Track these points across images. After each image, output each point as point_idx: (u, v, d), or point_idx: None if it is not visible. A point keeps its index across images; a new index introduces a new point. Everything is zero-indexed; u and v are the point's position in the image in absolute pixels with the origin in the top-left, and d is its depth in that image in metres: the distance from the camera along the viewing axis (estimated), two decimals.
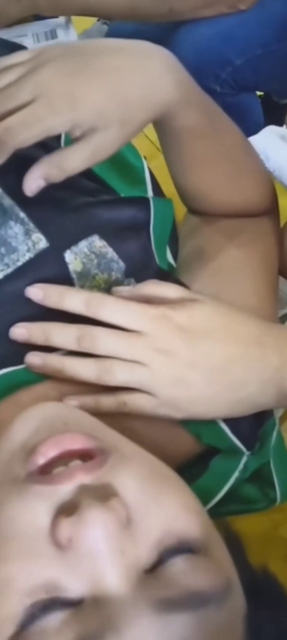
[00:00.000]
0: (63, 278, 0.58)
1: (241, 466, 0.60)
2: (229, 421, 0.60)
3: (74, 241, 0.60)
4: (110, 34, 1.39)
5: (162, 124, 0.64)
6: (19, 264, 0.57)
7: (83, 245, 0.60)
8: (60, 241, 0.59)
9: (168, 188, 0.75)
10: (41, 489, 0.40)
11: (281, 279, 0.80)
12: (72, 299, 0.55)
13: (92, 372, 0.54)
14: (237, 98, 1.16)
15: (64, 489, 0.40)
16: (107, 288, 0.59)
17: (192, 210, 0.76)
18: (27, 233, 0.58)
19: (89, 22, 2.26)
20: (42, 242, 0.58)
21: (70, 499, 0.40)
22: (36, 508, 0.40)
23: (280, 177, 0.78)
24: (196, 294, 0.58)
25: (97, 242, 0.61)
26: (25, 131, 0.54)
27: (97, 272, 0.60)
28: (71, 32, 1.05)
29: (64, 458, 0.42)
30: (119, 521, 0.39)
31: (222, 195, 0.72)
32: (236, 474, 0.59)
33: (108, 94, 0.57)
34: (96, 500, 0.39)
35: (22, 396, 0.54)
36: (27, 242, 0.58)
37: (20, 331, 0.54)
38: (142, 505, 0.40)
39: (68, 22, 1.06)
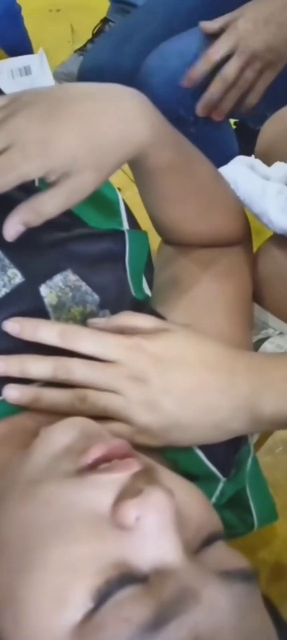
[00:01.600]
0: (39, 311, 0.59)
1: (217, 492, 0.61)
2: (204, 448, 0.61)
3: (49, 275, 0.61)
4: (85, 64, 1.40)
5: (135, 163, 0.65)
6: None
7: (58, 279, 0.61)
8: (36, 276, 0.60)
9: (143, 218, 0.76)
10: (100, 478, 0.44)
11: (255, 305, 0.82)
12: (47, 332, 0.56)
13: (68, 402, 0.55)
14: (209, 127, 1.17)
15: (121, 477, 0.44)
16: (83, 320, 0.61)
17: (167, 241, 0.78)
18: (3, 269, 0.59)
19: (66, 54, 2.29)
20: (17, 277, 0.59)
21: (128, 485, 0.43)
22: (97, 495, 0.43)
23: (250, 206, 0.80)
24: (168, 323, 0.60)
25: (70, 276, 0.62)
26: (0, 178, 0.55)
27: (73, 304, 0.61)
28: (45, 67, 1.07)
29: (107, 460, 0.45)
30: (176, 504, 0.42)
31: (195, 227, 0.74)
32: (213, 500, 0.60)
33: (81, 139, 0.58)
34: (158, 485, 0.43)
35: (1, 428, 0.55)
36: (3, 277, 0.59)
37: None
38: (180, 497, 0.44)
39: (42, 57, 1.08)
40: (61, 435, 0.48)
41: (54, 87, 0.64)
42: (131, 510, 0.41)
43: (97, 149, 0.59)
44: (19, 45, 1.29)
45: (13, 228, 0.58)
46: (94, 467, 0.45)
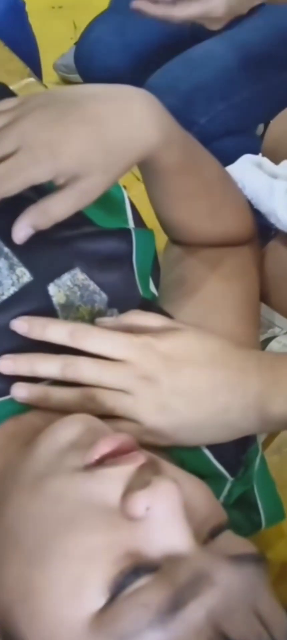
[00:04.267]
0: (47, 310, 0.59)
1: (225, 492, 0.61)
2: (212, 447, 0.60)
3: (57, 274, 0.61)
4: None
5: (144, 164, 0.65)
6: (4, 297, 0.58)
7: (66, 278, 0.61)
8: (44, 274, 0.60)
9: (148, 217, 0.76)
10: (108, 472, 0.45)
11: (262, 304, 0.82)
12: (56, 330, 0.56)
13: (77, 401, 0.54)
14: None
15: (128, 470, 0.45)
16: (91, 319, 0.60)
17: (174, 240, 0.78)
18: (11, 267, 0.59)
19: (66, 46, 2.30)
20: (26, 276, 0.59)
21: (135, 478, 0.44)
22: (106, 488, 0.44)
23: (257, 205, 0.79)
24: (178, 322, 0.60)
25: (79, 275, 0.62)
26: (8, 182, 0.56)
27: (81, 303, 0.61)
28: None
29: (113, 456, 0.46)
30: (182, 493, 0.43)
31: (203, 227, 0.74)
32: (221, 500, 0.60)
33: (89, 141, 0.58)
34: (165, 475, 0.45)
35: (10, 426, 0.55)
36: (12, 276, 0.59)
37: (6, 363, 0.55)
38: (185, 490, 0.44)
39: None
40: (66, 430, 0.49)
41: (63, 89, 0.64)
42: (141, 501, 0.42)
43: (106, 152, 0.59)
44: (24, 42, 1.29)
45: (22, 231, 0.58)
46: (101, 462, 0.46)
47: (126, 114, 0.61)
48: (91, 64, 1.51)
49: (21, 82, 1.02)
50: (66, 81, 2.33)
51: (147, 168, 0.66)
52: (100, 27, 1.51)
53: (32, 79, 1.05)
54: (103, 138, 0.59)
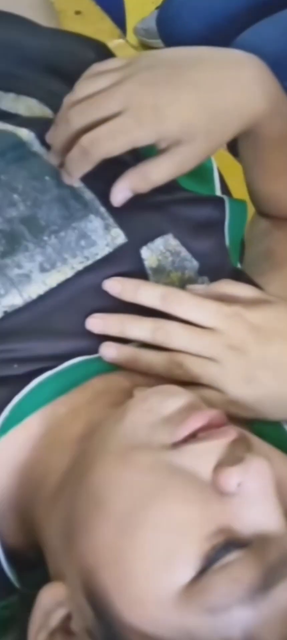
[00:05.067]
0: (139, 273, 0.59)
1: None
2: None
3: (151, 238, 0.61)
4: None
5: (246, 132, 0.64)
6: (98, 257, 0.58)
7: (159, 242, 0.61)
8: (138, 237, 0.61)
9: (231, 188, 0.75)
10: (199, 447, 0.45)
11: None
12: (148, 293, 0.56)
13: (165, 366, 0.55)
14: None
15: (220, 444, 0.45)
16: (181, 285, 0.60)
17: (262, 213, 0.77)
18: (107, 227, 0.60)
19: (147, 10, 2.28)
20: (120, 238, 0.60)
21: (227, 453, 0.44)
22: (197, 462, 0.44)
23: None
24: (268, 295, 0.59)
25: (171, 241, 0.62)
26: (111, 143, 0.56)
27: (172, 269, 0.61)
28: None
29: (205, 430, 0.46)
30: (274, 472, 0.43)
31: None
32: None
33: (196, 107, 0.58)
34: (257, 452, 0.45)
35: (97, 383, 0.55)
36: (107, 236, 0.59)
37: (96, 321, 0.56)
38: (277, 468, 0.45)
39: None
40: (160, 404, 0.48)
41: (172, 51, 0.64)
42: (233, 476, 0.43)
43: (211, 119, 0.58)
44: (113, 3, 1.29)
45: (121, 193, 0.58)
46: (192, 435, 0.46)
47: (234, 80, 0.60)
48: (174, 29, 1.49)
49: (113, 42, 1.01)
50: (145, 46, 2.31)
51: (246, 137, 0.66)
52: None
53: (122, 40, 1.05)
54: (209, 104, 0.58)
